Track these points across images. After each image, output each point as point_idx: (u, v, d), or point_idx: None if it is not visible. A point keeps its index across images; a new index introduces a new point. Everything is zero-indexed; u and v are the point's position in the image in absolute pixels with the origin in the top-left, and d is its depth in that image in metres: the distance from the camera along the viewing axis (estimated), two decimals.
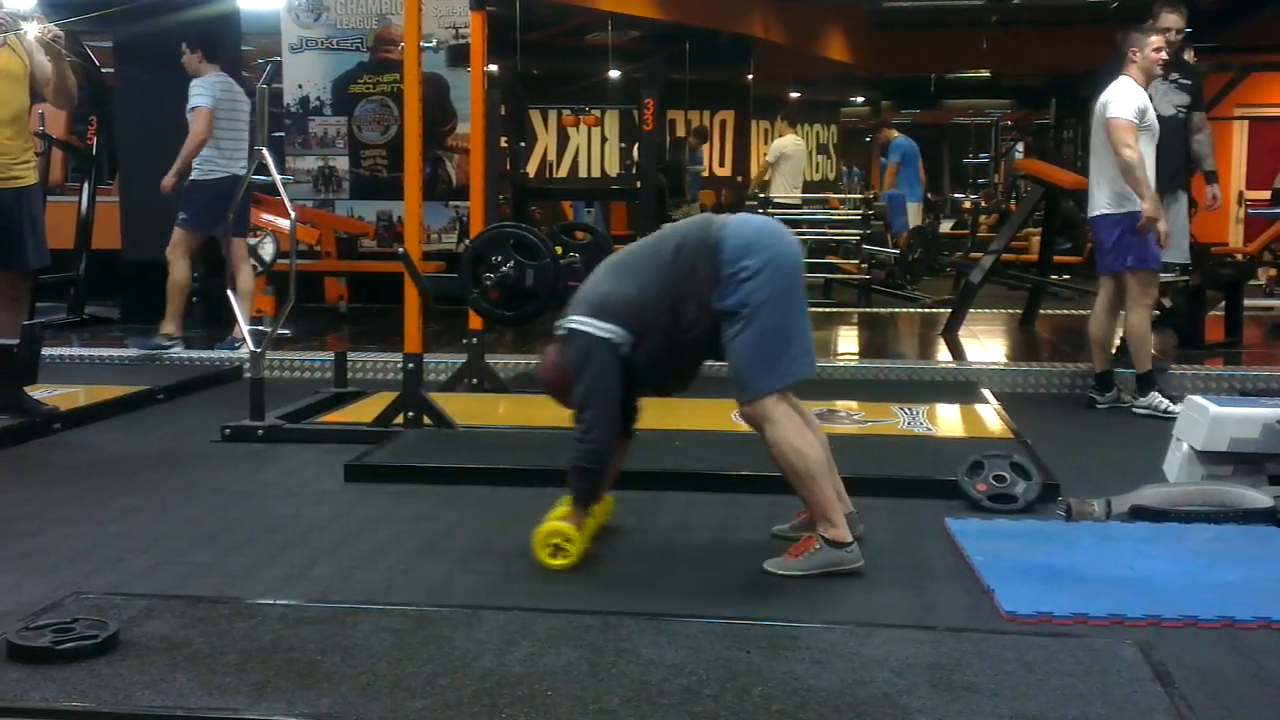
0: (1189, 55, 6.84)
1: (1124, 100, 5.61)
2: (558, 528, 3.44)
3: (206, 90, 7.16)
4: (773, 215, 10.99)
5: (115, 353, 7.48)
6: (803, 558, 3.36)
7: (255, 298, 7.47)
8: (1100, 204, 5.76)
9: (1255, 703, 2.56)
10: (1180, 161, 6.61)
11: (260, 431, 5.18)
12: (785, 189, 11.89)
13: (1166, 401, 5.69)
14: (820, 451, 3.42)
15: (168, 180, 7.33)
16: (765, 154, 13.29)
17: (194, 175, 7.29)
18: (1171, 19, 6.40)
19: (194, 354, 7.35)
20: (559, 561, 3.42)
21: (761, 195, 11.61)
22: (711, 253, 3.32)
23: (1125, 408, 5.93)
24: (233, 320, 7.22)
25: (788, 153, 12.23)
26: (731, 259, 3.30)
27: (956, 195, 21.36)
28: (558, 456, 4.38)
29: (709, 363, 3.55)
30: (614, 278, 3.47)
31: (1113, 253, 5.71)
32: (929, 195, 16.91)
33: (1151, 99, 5.81)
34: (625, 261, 3.51)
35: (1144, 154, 5.61)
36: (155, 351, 7.24)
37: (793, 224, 11.35)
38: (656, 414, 5.36)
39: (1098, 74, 6.17)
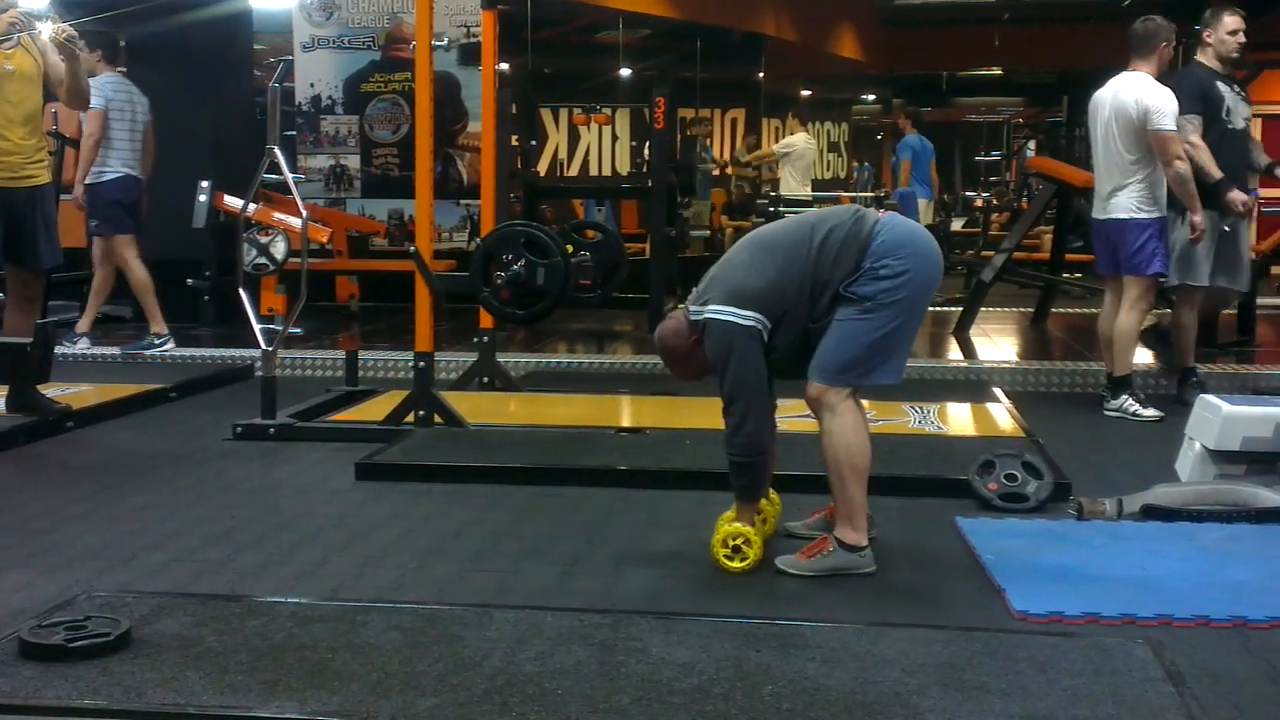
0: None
1: (1165, 107, 5.45)
2: (737, 529, 3.38)
3: (99, 91, 7.12)
4: (784, 212, 11.03)
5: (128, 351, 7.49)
6: (816, 559, 3.36)
7: (149, 290, 7.55)
8: (1126, 207, 5.60)
9: (1268, 702, 2.55)
10: (1245, 174, 6.19)
11: (272, 430, 5.19)
12: (796, 186, 11.89)
13: (1137, 405, 5.65)
14: (869, 456, 3.40)
15: (76, 190, 7.37)
16: (773, 146, 13.26)
17: (88, 179, 7.30)
18: (1234, 20, 6.10)
19: (205, 352, 7.37)
20: (737, 564, 3.36)
21: (772, 194, 11.60)
22: (863, 245, 3.28)
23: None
24: (153, 316, 7.31)
25: (799, 150, 12.22)
26: (878, 253, 3.27)
27: (968, 193, 21.32)
28: (568, 455, 4.40)
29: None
30: (752, 262, 3.38)
31: (1137, 256, 5.57)
32: (944, 196, 16.86)
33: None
34: (764, 244, 3.43)
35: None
36: (149, 351, 7.28)
37: None
38: (667, 413, 5.38)
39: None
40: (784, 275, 3.32)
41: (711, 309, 3.33)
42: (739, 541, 3.38)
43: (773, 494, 3.68)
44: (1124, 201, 5.63)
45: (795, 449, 3.95)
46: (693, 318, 3.39)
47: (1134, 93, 5.56)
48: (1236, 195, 5.68)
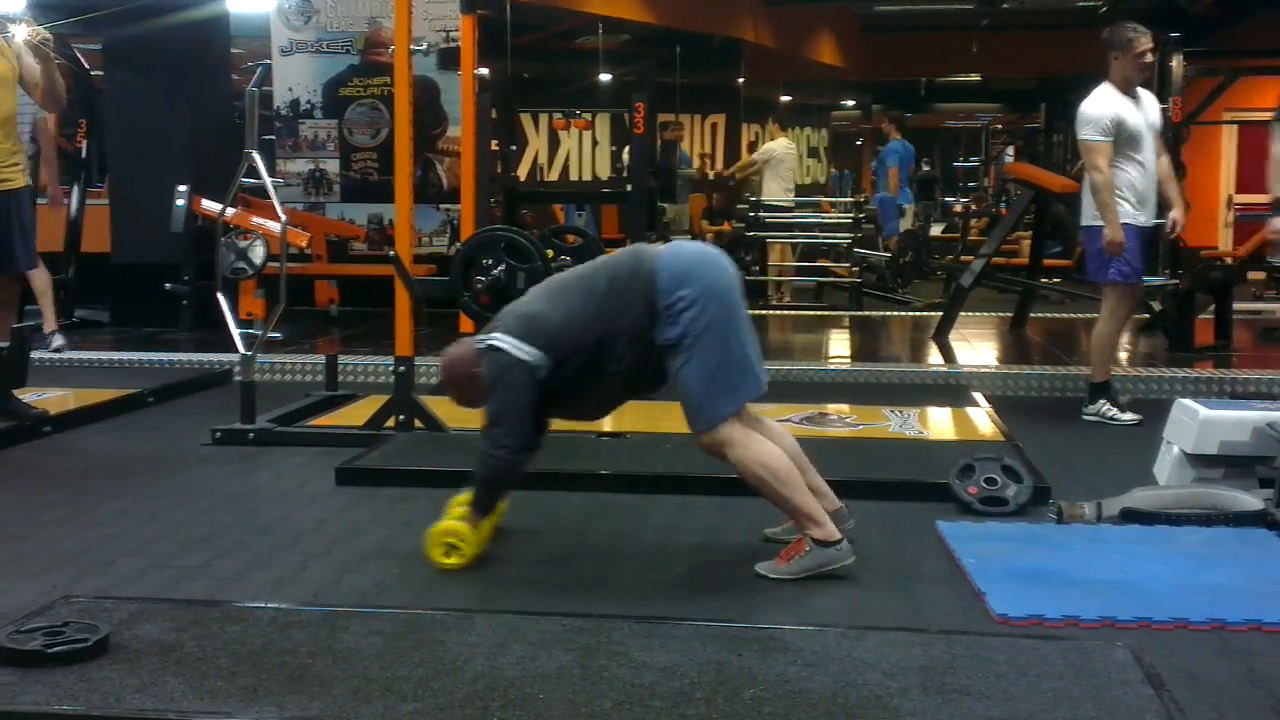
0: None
1: (1092, 117, 5.49)
2: (450, 527, 3.46)
3: None
4: (765, 218, 11.05)
5: (105, 356, 7.46)
6: (794, 561, 3.37)
7: (48, 293, 7.50)
8: (1086, 214, 5.67)
9: (1246, 705, 2.57)
10: None
11: (251, 435, 5.17)
12: (777, 192, 11.91)
13: (1115, 410, 5.67)
14: (784, 459, 3.41)
15: None
16: (753, 152, 13.27)
17: None
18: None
19: (184, 356, 7.34)
20: (453, 560, 3.43)
21: (752, 198, 11.62)
22: (646, 285, 3.32)
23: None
24: (48, 316, 7.26)
25: (778, 156, 12.25)
26: (667, 290, 3.30)
27: (947, 199, 21.41)
28: (549, 459, 4.38)
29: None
30: (546, 301, 3.47)
31: (1094, 262, 5.64)
32: (942, 198, 16.90)
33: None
34: (559, 286, 3.52)
35: (1131, 165, 5.49)
36: (58, 355, 7.26)
37: (784, 226, 11.39)
38: (648, 418, 5.38)
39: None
40: (572, 318, 3.37)
41: (496, 337, 3.41)
42: (453, 539, 3.45)
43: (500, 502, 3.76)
44: (1084, 207, 5.67)
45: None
46: (478, 345, 3.45)
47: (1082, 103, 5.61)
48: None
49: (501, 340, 3.38)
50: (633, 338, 3.33)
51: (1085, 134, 5.51)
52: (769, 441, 3.44)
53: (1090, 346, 5.81)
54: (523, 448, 3.44)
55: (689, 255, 3.44)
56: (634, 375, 3.41)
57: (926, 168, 18.59)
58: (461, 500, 3.56)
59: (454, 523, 3.48)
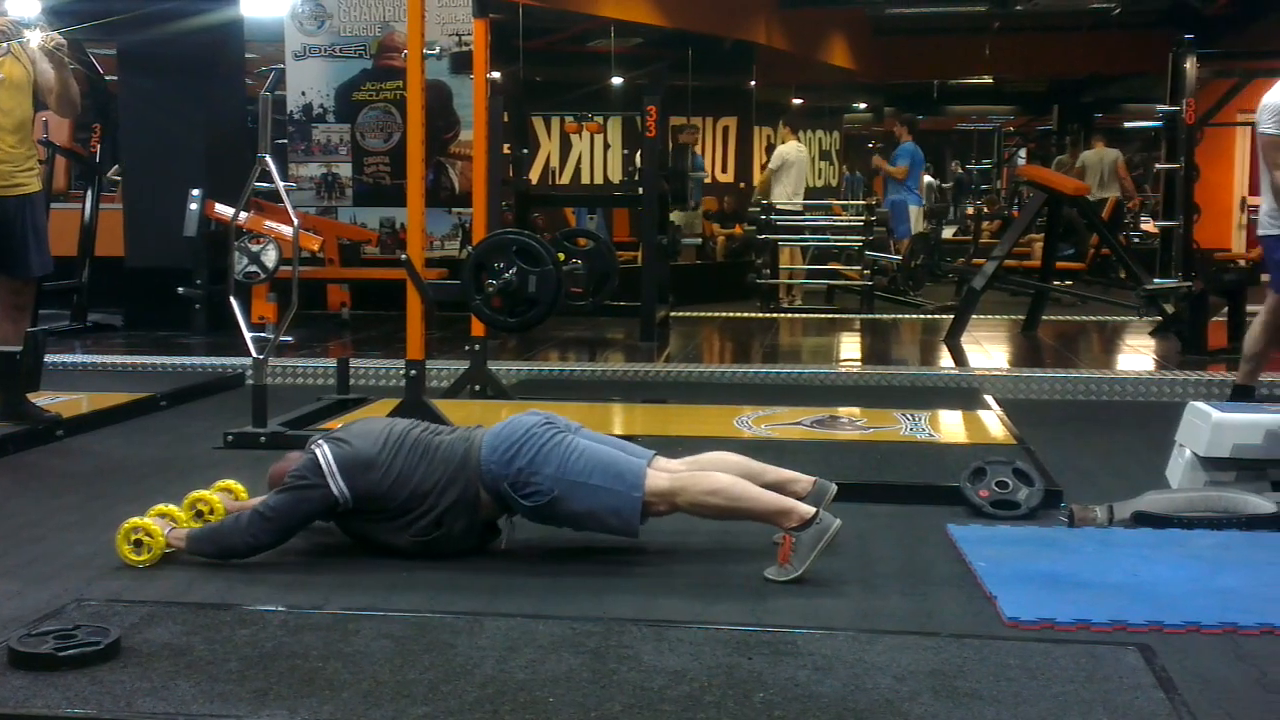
0: None
1: (1269, 105, 5.12)
2: (137, 523, 3.48)
3: None
4: (775, 221, 11.04)
5: (118, 360, 7.48)
6: (792, 558, 3.35)
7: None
8: (1264, 222, 5.31)
9: (1258, 709, 2.56)
10: None
11: (263, 438, 5.18)
12: (787, 195, 11.91)
13: None
14: (724, 477, 3.46)
15: None
16: (767, 162, 13.28)
17: None
18: None
19: (196, 360, 7.36)
20: (141, 556, 3.45)
21: (764, 201, 11.62)
22: (476, 471, 3.44)
23: None
24: None
25: (790, 159, 12.24)
26: (502, 467, 3.41)
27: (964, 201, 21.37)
28: None
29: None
30: (385, 444, 3.51)
31: (1275, 272, 5.28)
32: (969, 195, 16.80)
33: None
34: (404, 438, 3.55)
35: None
36: None
37: (795, 229, 11.38)
38: (659, 421, 5.38)
39: None
40: (398, 476, 3.45)
41: (328, 447, 3.49)
42: (141, 535, 3.47)
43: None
44: (1263, 216, 5.34)
45: (785, 457, 3.95)
46: (309, 444, 3.56)
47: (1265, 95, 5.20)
48: None
49: (324, 454, 3.47)
50: (439, 519, 3.46)
51: (1266, 127, 5.13)
52: (700, 471, 3.52)
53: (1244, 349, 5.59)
54: (259, 551, 3.49)
55: (504, 431, 3.49)
56: (434, 546, 3.50)
57: (959, 172, 18.57)
58: (158, 510, 3.58)
59: (147, 520, 3.50)
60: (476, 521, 3.51)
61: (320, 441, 3.55)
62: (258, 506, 3.52)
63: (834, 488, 3.58)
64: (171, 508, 3.61)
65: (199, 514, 3.70)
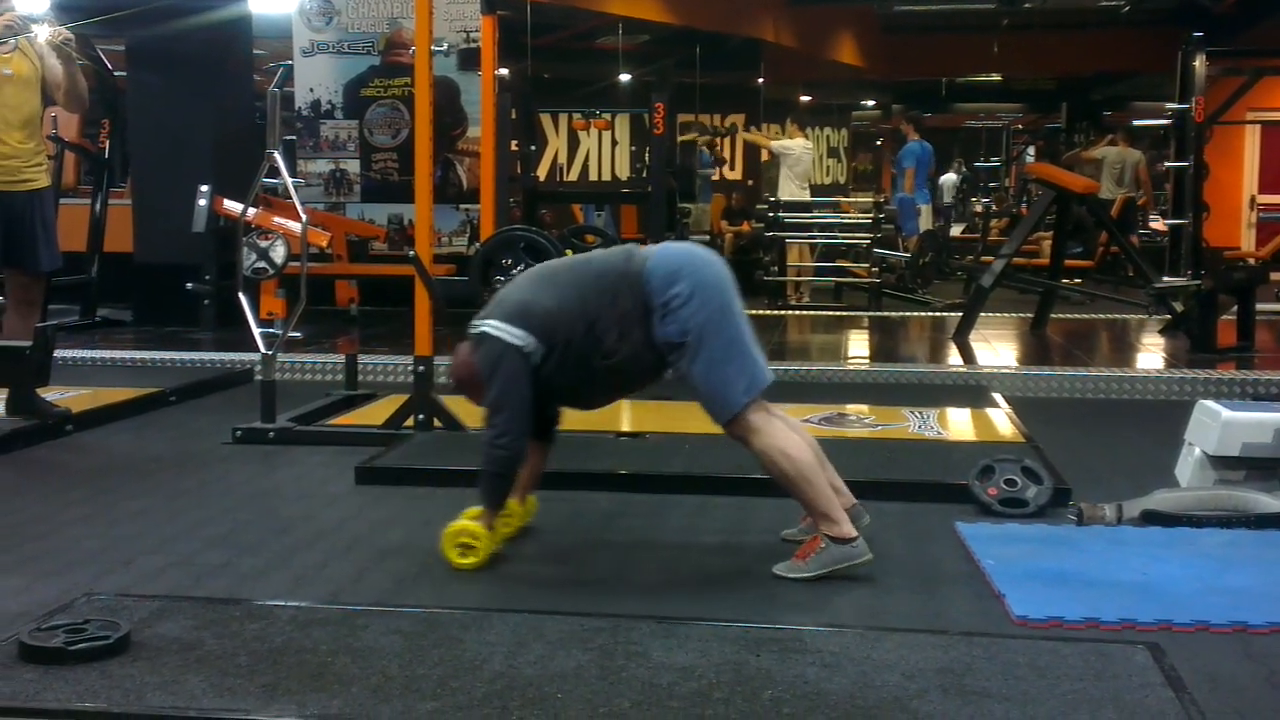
0: None
1: None
2: (466, 527, 3.46)
3: None
4: (784, 218, 11.03)
5: (127, 355, 7.50)
6: (810, 559, 3.36)
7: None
8: None
9: (1268, 707, 2.55)
10: None
11: (271, 434, 5.19)
12: (795, 190, 11.89)
13: None
14: (809, 452, 3.41)
15: None
16: (771, 142, 13.23)
17: None
18: None
19: (205, 355, 7.37)
20: (467, 560, 3.43)
21: (771, 198, 11.61)
22: (635, 285, 3.34)
23: None
24: None
25: (795, 154, 12.24)
26: (660, 289, 3.32)
27: (970, 199, 21.35)
28: (568, 459, 4.40)
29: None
30: (533, 287, 3.48)
31: None
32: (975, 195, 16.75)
33: None
34: (547, 274, 3.53)
35: None
36: None
37: (802, 226, 11.37)
38: (666, 418, 5.38)
39: None
40: (561, 305, 3.39)
41: (488, 323, 3.43)
42: (466, 539, 3.44)
43: (531, 499, 3.79)
44: None
45: None
46: (470, 332, 3.47)
47: None
48: None
49: (491, 326, 3.41)
50: (623, 333, 3.34)
51: None
52: (793, 433, 3.44)
53: None
54: (524, 434, 3.44)
55: (679, 254, 3.45)
56: (627, 371, 3.42)
57: (965, 170, 18.52)
58: (471, 513, 3.55)
59: (468, 522, 3.48)
60: (650, 334, 3.36)
61: (476, 322, 3.48)
62: (485, 419, 3.44)
63: (868, 519, 3.57)
64: (470, 524, 3.49)
65: (465, 547, 3.47)
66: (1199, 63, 8.15)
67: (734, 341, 3.36)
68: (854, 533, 3.36)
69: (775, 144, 12.65)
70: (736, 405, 3.35)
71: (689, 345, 3.32)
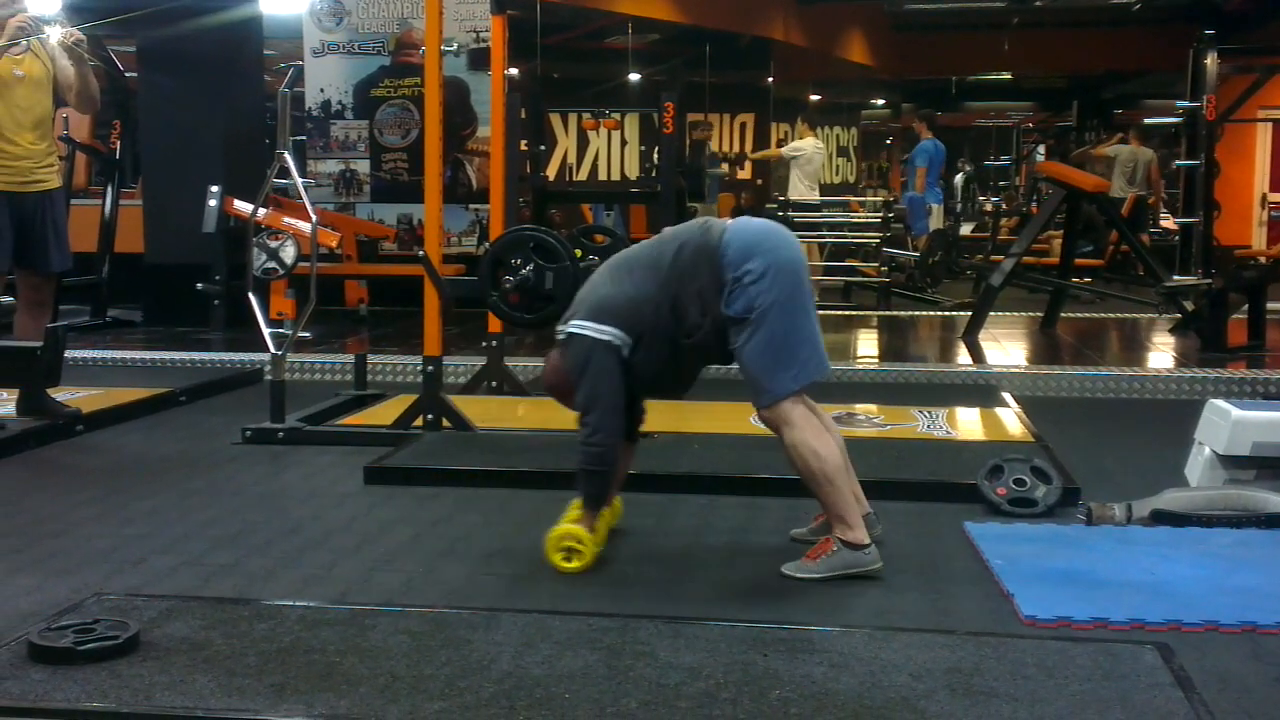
0: None
1: None
2: (570, 530, 3.44)
3: None
4: (792, 217, 11.03)
5: (138, 355, 7.52)
6: (820, 560, 3.36)
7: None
8: None
9: (1277, 708, 2.54)
10: None
11: (281, 434, 5.20)
12: (804, 190, 11.89)
13: None
14: (838, 454, 3.41)
15: None
16: (782, 147, 13.24)
17: None
18: None
19: (215, 356, 7.39)
20: (572, 564, 3.41)
21: (780, 198, 11.60)
22: (713, 257, 3.32)
23: None
24: None
25: (807, 154, 12.22)
26: (734, 263, 3.29)
27: (979, 198, 21.30)
28: (575, 458, 4.40)
29: (725, 367, 3.55)
30: (611, 280, 3.47)
31: None
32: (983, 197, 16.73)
33: None
34: (623, 264, 3.51)
35: None
36: None
37: (812, 226, 11.36)
38: (675, 417, 5.38)
39: None
40: (640, 292, 3.37)
41: (573, 324, 3.42)
42: (571, 543, 3.42)
43: (617, 500, 3.77)
44: None
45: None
46: (558, 336, 3.47)
47: None
48: None
49: (576, 327, 3.40)
50: (703, 309, 3.33)
51: None
52: (826, 433, 3.43)
53: None
54: (618, 429, 3.42)
55: (757, 229, 3.43)
56: (710, 347, 3.40)
57: (968, 169, 18.47)
58: (576, 505, 3.53)
59: (571, 526, 3.44)
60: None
61: (560, 326, 3.48)
62: (579, 419, 3.42)
63: (881, 528, 3.56)
64: (572, 527, 3.46)
65: (570, 551, 3.44)
66: (1210, 61, 8.13)
67: (795, 328, 3.33)
68: (867, 539, 3.36)
69: (786, 150, 12.66)
70: (779, 392, 3.33)
71: (750, 322, 3.29)
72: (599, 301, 3.42)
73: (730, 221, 3.46)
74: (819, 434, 3.38)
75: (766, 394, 3.35)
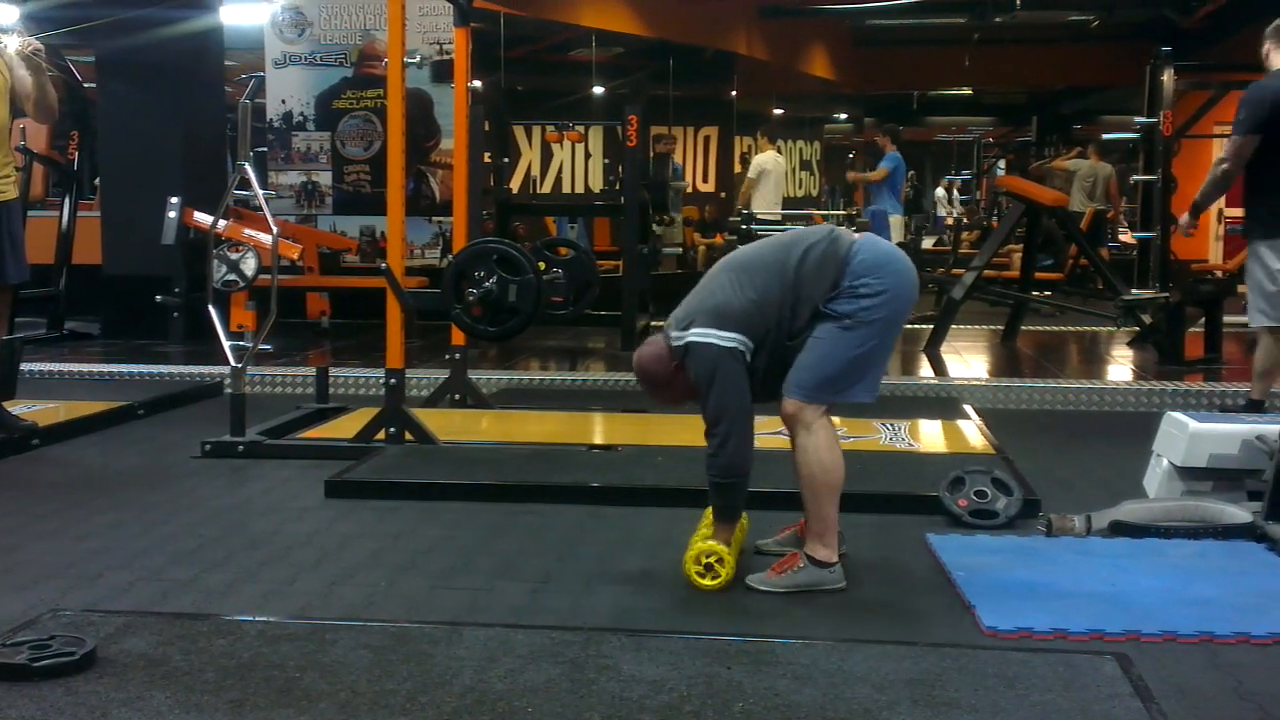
0: None
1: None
2: (711, 547, 3.37)
3: None
4: (756, 230, 11.06)
5: (95, 368, 7.44)
6: (786, 575, 3.36)
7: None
8: None
9: (1235, 717, 2.57)
10: None
11: (241, 447, 5.16)
12: (766, 205, 11.93)
13: None
14: (841, 473, 3.41)
15: None
16: (744, 171, 13.32)
17: None
18: None
19: (174, 369, 7.32)
20: (709, 581, 3.35)
21: (745, 211, 11.64)
22: (841, 264, 3.31)
23: None
24: None
25: (768, 169, 12.27)
26: (856, 272, 3.29)
27: (939, 213, 21.47)
28: (540, 472, 4.40)
29: None
30: (731, 284, 3.38)
31: None
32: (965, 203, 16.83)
33: None
34: (740, 266, 3.43)
35: None
36: None
37: None
38: (639, 431, 5.38)
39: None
40: (764, 296, 3.33)
41: (694, 332, 3.33)
42: (711, 560, 3.37)
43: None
44: None
45: (768, 465, 3.94)
46: (674, 343, 3.38)
47: None
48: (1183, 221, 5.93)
49: (698, 335, 3.32)
50: (814, 313, 3.32)
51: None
52: (837, 449, 3.43)
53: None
54: (749, 439, 3.35)
55: (888, 250, 3.43)
56: (798, 350, 3.38)
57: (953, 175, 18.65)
58: (704, 533, 3.48)
59: (711, 543, 3.38)
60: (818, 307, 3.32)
61: (670, 331, 3.38)
62: (707, 430, 3.35)
63: (846, 547, 3.56)
64: (710, 544, 3.40)
65: (709, 568, 3.38)
66: (1167, 77, 8.22)
67: (876, 351, 3.35)
68: (835, 559, 3.38)
69: (750, 173, 12.71)
70: (820, 397, 3.34)
71: (844, 324, 3.28)
72: (718, 307, 3.35)
73: (862, 235, 3.45)
74: (832, 448, 3.39)
75: (800, 390, 3.33)
